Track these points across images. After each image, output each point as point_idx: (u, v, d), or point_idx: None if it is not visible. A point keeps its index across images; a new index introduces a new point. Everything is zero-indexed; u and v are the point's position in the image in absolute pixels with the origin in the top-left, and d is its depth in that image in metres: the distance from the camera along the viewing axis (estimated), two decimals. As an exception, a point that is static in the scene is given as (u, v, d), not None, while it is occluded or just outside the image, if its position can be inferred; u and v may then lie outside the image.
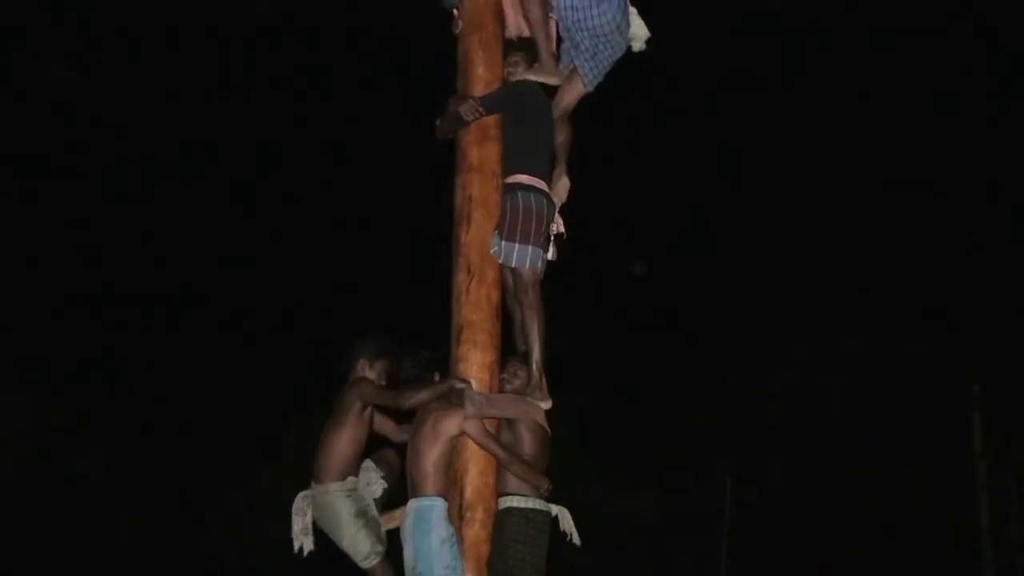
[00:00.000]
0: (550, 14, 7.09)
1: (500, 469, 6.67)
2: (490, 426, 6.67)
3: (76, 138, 20.15)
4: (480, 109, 6.79)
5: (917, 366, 20.76)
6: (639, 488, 20.72)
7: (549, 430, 6.85)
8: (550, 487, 6.71)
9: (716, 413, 21.51)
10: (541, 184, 6.83)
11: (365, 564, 6.73)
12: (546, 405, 6.78)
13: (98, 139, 20.31)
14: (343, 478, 6.78)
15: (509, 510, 6.63)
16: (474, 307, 6.77)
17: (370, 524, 6.77)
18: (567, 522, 6.86)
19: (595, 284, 19.55)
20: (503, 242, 6.74)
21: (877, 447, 20.75)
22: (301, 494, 6.91)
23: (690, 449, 20.91)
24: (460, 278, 6.81)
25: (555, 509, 6.81)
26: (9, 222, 19.53)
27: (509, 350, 6.94)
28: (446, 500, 6.55)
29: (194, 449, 19.87)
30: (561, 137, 7.15)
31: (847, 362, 21.42)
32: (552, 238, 6.94)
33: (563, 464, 7.02)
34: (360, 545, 6.72)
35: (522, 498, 6.63)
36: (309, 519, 6.88)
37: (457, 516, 6.60)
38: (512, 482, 6.65)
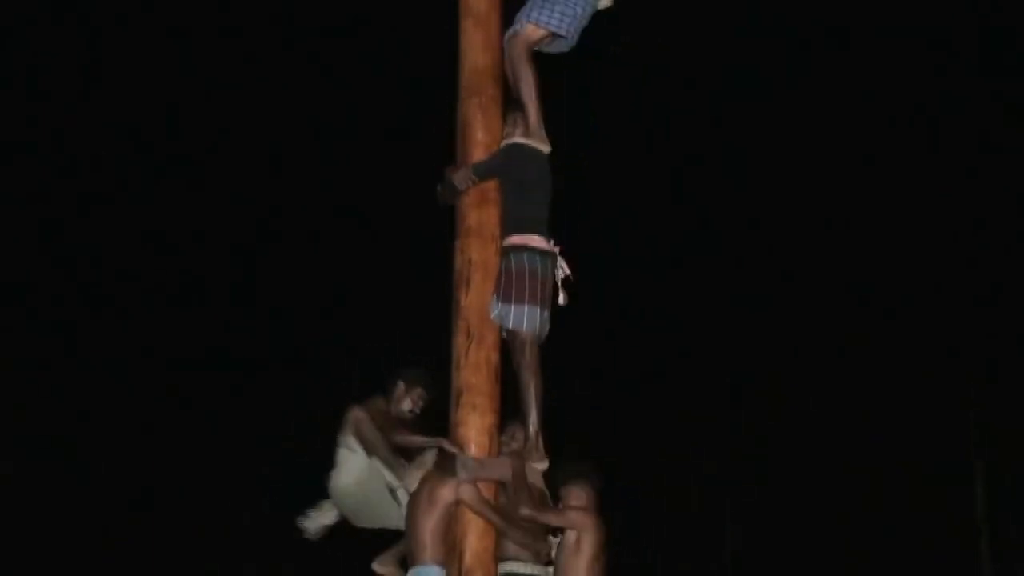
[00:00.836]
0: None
1: (499, 533, 6.65)
2: (488, 492, 6.67)
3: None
4: (473, 177, 6.80)
5: (915, 366, 20.82)
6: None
7: (547, 492, 6.86)
8: (550, 551, 6.74)
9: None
10: (538, 243, 6.79)
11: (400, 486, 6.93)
12: (542, 466, 6.77)
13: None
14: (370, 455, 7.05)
15: (508, 575, 6.62)
16: (473, 370, 6.73)
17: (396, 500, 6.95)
18: None
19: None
20: (500, 304, 6.71)
21: (876, 448, 20.84)
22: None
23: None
24: (459, 341, 6.77)
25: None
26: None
27: (512, 413, 6.92)
28: (443, 568, 6.53)
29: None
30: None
31: (844, 363, 21.46)
32: (559, 284, 6.90)
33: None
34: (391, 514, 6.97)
35: (521, 564, 6.64)
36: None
37: (456, 582, 6.59)
38: (511, 547, 6.65)
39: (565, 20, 7.01)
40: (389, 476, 6.95)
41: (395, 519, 6.97)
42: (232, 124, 20.65)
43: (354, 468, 7.03)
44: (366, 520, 7.30)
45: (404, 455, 6.99)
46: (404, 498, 6.83)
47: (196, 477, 20.43)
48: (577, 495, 6.72)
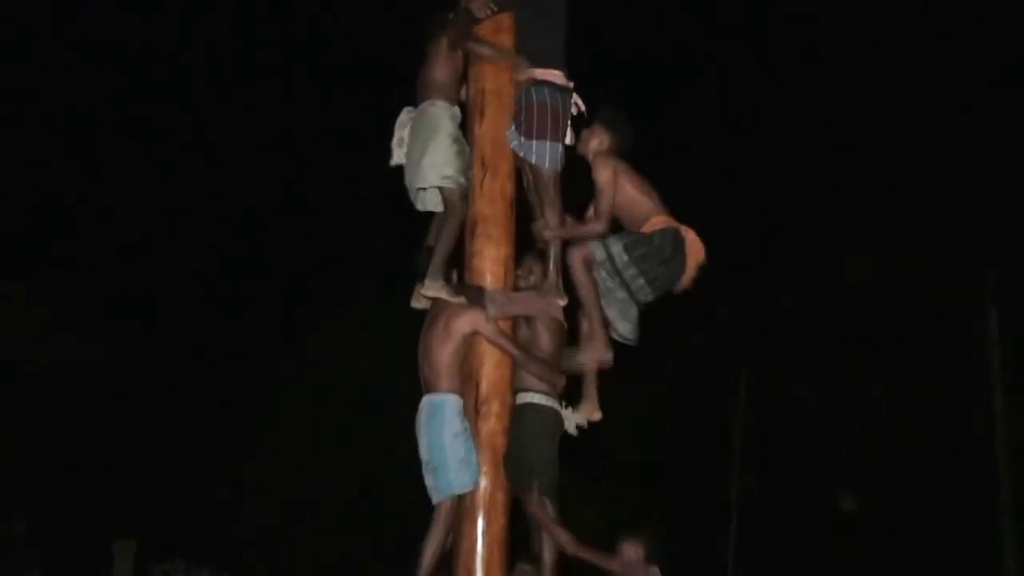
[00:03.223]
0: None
1: (516, 364, 6.64)
2: (506, 324, 6.64)
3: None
4: (492, 6, 6.75)
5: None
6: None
7: (566, 325, 6.83)
8: (564, 382, 6.72)
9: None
10: (556, 77, 6.73)
11: (445, 183, 6.64)
12: (562, 302, 6.73)
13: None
14: (452, 103, 6.78)
15: (527, 405, 6.61)
16: (488, 201, 6.72)
17: (461, 152, 6.70)
18: (573, 420, 6.80)
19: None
20: (521, 138, 6.67)
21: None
22: (406, 108, 6.89)
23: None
24: (474, 171, 6.75)
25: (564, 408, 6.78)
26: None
27: (526, 246, 6.90)
28: (460, 396, 6.53)
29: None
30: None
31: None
32: (570, 123, 6.84)
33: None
34: (448, 163, 6.64)
35: (540, 395, 6.61)
36: (407, 132, 6.82)
37: (473, 410, 6.57)
38: (529, 378, 6.62)
39: None
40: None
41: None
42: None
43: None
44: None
45: None
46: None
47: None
48: (632, 549, 6.64)
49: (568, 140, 6.81)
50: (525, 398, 6.64)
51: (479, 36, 6.77)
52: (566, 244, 6.72)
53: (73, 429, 19.42)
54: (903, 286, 20.92)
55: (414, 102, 6.82)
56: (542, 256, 6.79)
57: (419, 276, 6.71)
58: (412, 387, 6.75)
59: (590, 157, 6.86)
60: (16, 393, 18.52)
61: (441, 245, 6.60)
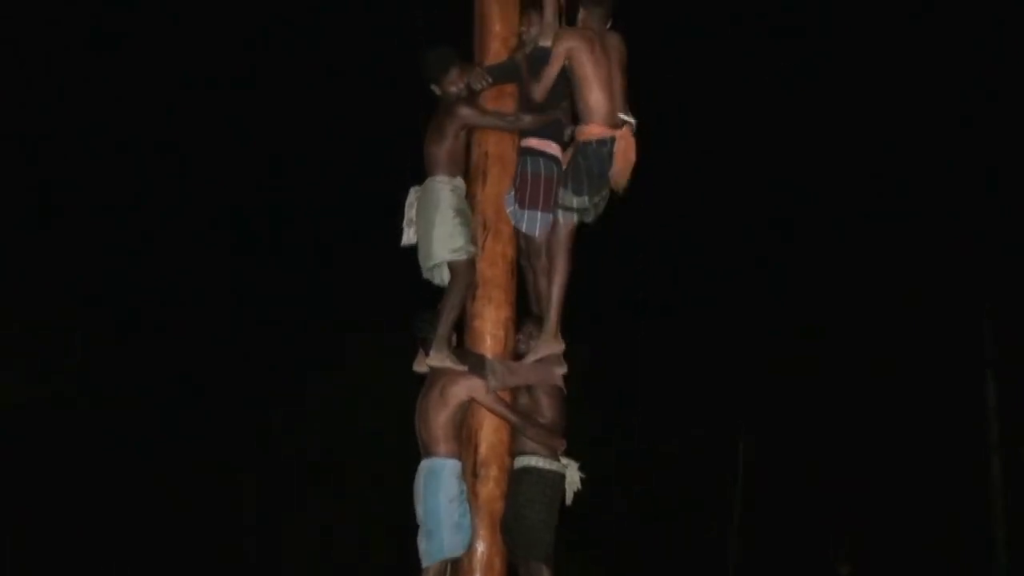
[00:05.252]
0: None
1: (515, 429, 6.64)
2: (504, 391, 6.66)
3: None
4: (488, 78, 6.81)
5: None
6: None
7: (565, 391, 6.84)
8: (564, 446, 6.72)
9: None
10: (555, 150, 6.83)
11: (455, 257, 6.62)
12: (561, 370, 6.77)
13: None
14: (453, 175, 6.76)
15: (525, 469, 6.60)
16: (489, 263, 6.77)
17: (466, 222, 6.68)
18: (575, 477, 6.80)
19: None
20: (516, 205, 6.77)
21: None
22: (413, 188, 6.91)
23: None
24: (476, 234, 6.78)
25: (567, 465, 6.78)
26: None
27: (524, 309, 6.95)
28: (459, 460, 6.53)
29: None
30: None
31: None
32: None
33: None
34: (455, 237, 6.62)
35: (538, 458, 6.60)
36: (415, 212, 6.85)
37: (471, 474, 6.58)
38: (528, 441, 6.62)
39: None
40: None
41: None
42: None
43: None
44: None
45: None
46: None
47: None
48: None
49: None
50: (524, 461, 6.62)
51: (480, 106, 6.82)
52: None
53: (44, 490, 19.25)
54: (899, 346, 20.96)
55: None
56: (541, 321, 6.82)
57: (419, 340, 6.72)
58: (410, 448, 6.75)
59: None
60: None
61: (446, 313, 6.62)
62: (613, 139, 6.75)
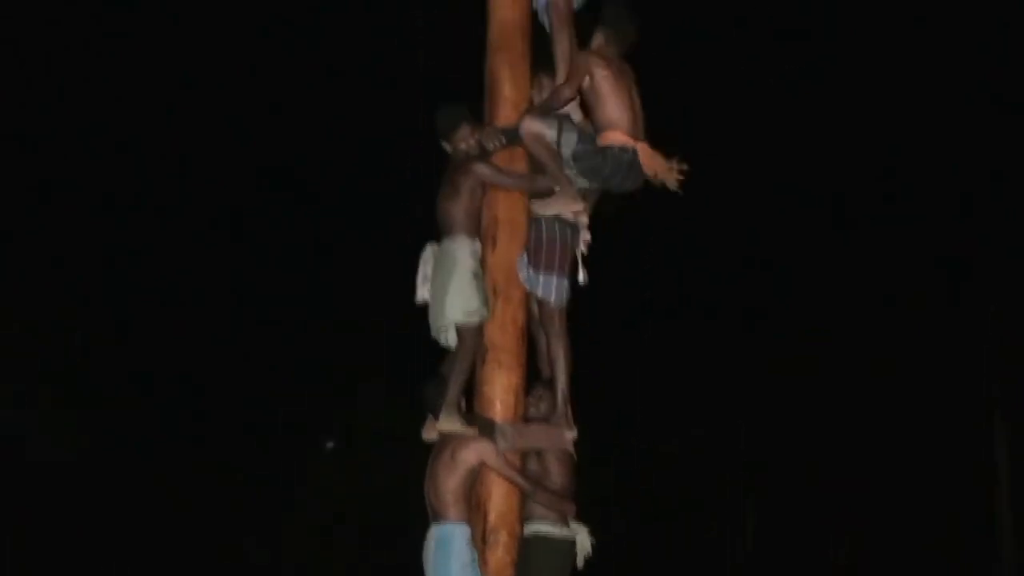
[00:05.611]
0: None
1: (525, 494, 6.61)
2: (514, 455, 6.62)
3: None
4: (501, 138, 6.76)
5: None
6: None
7: (576, 457, 6.82)
8: (574, 511, 6.70)
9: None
10: (567, 212, 6.81)
11: (467, 319, 6.59)
12: (571, 435, 6.74)
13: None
14: (472, 237, 6.73)
15: (536, 537, 6.58)
16: (499, 328, 6.71)
17: (480, 287, 6.66)
18: (585, 543, 6.80)
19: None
20: (530, 270, 6.73)
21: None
22: (429, 244, 6.88)
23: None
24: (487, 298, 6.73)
25: (578, 531, 6.76)
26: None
27: (534, 374, 6.90)
28: (468, 525, 6.49)
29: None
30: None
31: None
32: (581, 260, 6.88)
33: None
34: (470, 300, 6.59)
35: (548, 524, 6.59)
36: (430, 269, 6.82)
37: (481, 540, 6.52)
38: (538, 507, 6.61)
39: None
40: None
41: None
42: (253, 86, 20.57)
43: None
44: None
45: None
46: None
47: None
48: None
49: (582, 279, 6.87)
50: (534, 528, 6.61)
51: (494, 164, 6.77)
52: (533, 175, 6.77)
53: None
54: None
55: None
56: (551, 385, 6.79)
57: (428, 406, 6.69)
58: (419, 513, 6.73)
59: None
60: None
61: (455, 378, 6.59)
62: (635, 150, 6.70)
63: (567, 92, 6.72)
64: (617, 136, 6.71)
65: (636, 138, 6.77)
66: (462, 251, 6.69)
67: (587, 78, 6.71)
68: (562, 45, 6.80)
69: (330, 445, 18.67)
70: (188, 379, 20.61)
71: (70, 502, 19.40)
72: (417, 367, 7.02)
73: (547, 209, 6.74)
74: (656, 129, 6.91)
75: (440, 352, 6.91)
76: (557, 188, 6.72)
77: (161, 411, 20.51)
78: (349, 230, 21.31)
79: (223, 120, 20.69)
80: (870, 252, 21.66)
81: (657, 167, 6.79)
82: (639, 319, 22.18)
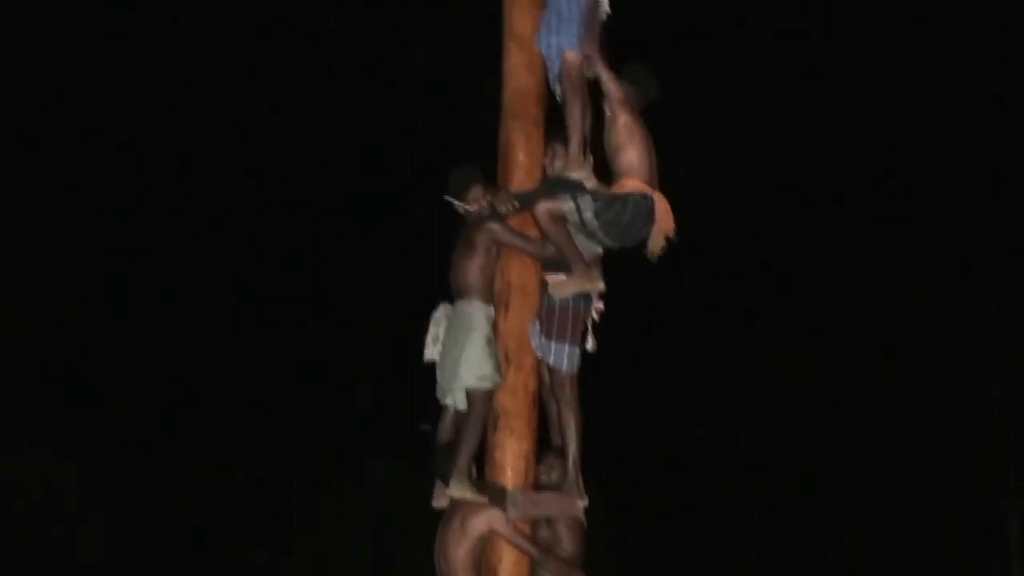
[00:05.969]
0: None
1: (535, 563, 6.61)
2: (524, 522, 6.62)
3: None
4: (515, 203, 6.76)
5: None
6: None
7: (586, 525, 6.83)
8: None
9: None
10: None
11: (479, 384, 6.60)
12: (582, 503, 6.74)
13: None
14: (487, 302, 6.75)
15: (546, 603, 6.59)
16: (511, 395, 6.71)
17: (494, 352, 6.66)
18: None
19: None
20: (541, 337, 6.73)
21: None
22: (442, 304, 6.91)
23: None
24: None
25: None
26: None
27: (545, 442, 6.91)
28: None
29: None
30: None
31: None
32: (591, 328, 6.88)
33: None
34: (483, 364, 6.60)
35: None
36: (443, 329, 6.84)
37: (491, 608, 6.54)
38: (547, 575, 6.61)
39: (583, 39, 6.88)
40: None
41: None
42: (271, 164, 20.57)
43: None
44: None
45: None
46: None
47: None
48: None
49: (591, 346, 6.84)
50: (542, 597, 6.63)
51: (508, 225, 6.76)
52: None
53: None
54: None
55: None
56: (562, 453, 6.79)
57: (438, 472, 6.70)
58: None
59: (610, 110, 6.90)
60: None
61: (466, 445, 6.59)
62: (653, 200, 6.71)
63: (615, 89, 6.78)
64: (636, 183, 6.73)
65: (653, 188, 6.80)
66: (478, 315, 6.69)
67: (614, 119, 6.77)
68: (574, 115, 6.76)
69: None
70: (188, 380, 20.59)
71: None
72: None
73: (563, 291, 6.72)
74: (656, 129, 6.93)
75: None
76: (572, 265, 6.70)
77: (161, 411, 20.48)
78: (349, 230, 21.25)
79: (223, 120, 20.59)
80: (870, 252, 21.67)
81: (666, 225, 6.81)
82: (639, 319, 22.15)
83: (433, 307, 6.98)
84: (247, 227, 21.15)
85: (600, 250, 6.94)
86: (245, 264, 21.07)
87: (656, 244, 6.81)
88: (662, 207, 6.78)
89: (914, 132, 20.85)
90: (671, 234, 6.83)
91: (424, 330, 6.95)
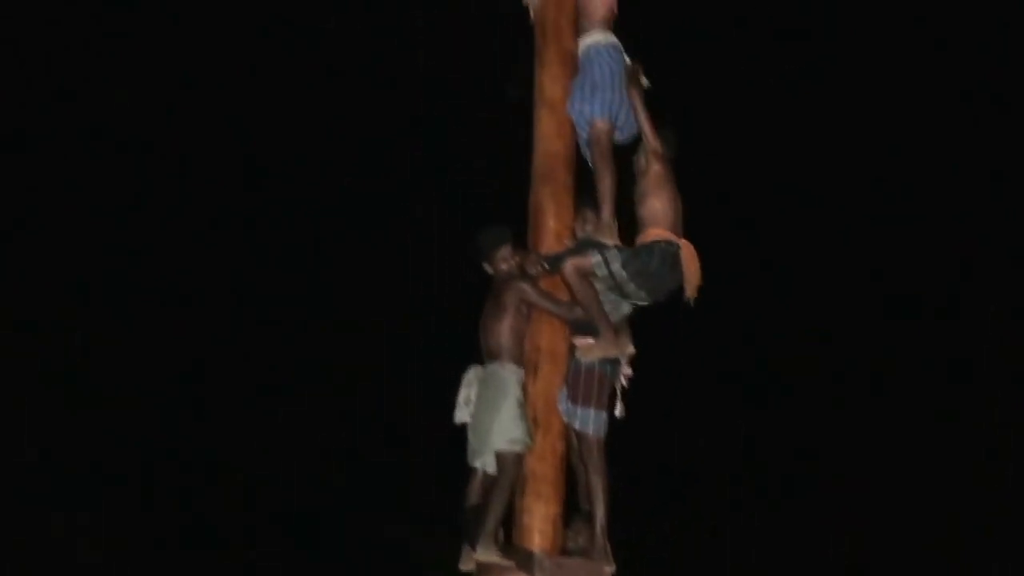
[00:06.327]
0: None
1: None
2: None
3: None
4: (544, 264, 6.76)
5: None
6: None
7: None
8: None
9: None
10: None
11: (510, 447, 6.63)
12: (610, 569, 6.75)
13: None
14: (519, 365, 6.79)
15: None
16: (539, 458, 6.72)
17: (524, 416, 6.70)
18: None
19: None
20: (569, 402, 6.74)
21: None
22: (473, 367, 6.94)
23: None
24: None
25: None
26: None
27: (573, 506, 6.93)
28: None
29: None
30: None
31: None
32: (620, 393, 6.89)
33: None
34: (514, 428, 6.64)
35: None
36: (474, 391, 6.87)
37: (517, 672, 6.56)
38: (575, 639, 6.64)
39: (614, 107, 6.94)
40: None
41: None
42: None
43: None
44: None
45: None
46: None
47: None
48: None
49: (619, 412, 6.85)
50: (570, 660, 6.64)
51: (538, 286, 6.75)
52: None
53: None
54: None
55: None
56: (590, 519, 6.79)
57: (465, 535, 6.71)
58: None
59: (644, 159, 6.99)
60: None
61: (494, 508, 6.60)
62: (677, 244, 6.74)
63: (654, 141, 6.92)
64: (660, 232, 6.79)
65: (678, 236, 6.84)
66: (512, 379, 6.72)
67: (647, 168, 6.88)
68: (605, 182, 6.75)
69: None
70: (188, 381, 20.55)
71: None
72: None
73: (589, 355, 6.72)
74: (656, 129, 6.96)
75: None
76: (599, 328, 6.69)
77: (161, 411, 20.45)
78: (349, 230, 21.17)
79: (223, 119, 20.47)
80: (870, 252, 21.67)
81: (693, 273, 6.82)
82: (639, 319, 22.11)
83: (433, 309, 7.01)
84: (247, 227, 21.06)
85: (629, 310, 6.94)
86: (245, 264, 21.00)
87: (691, 290, 6.87)
88: (689, 255, 6.82)
89: (914, 132, 20.85)
90: (698, 282, 6.86)
91: (425, 330, 6.98)
